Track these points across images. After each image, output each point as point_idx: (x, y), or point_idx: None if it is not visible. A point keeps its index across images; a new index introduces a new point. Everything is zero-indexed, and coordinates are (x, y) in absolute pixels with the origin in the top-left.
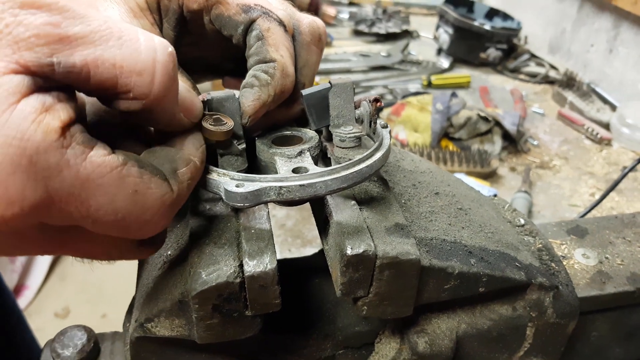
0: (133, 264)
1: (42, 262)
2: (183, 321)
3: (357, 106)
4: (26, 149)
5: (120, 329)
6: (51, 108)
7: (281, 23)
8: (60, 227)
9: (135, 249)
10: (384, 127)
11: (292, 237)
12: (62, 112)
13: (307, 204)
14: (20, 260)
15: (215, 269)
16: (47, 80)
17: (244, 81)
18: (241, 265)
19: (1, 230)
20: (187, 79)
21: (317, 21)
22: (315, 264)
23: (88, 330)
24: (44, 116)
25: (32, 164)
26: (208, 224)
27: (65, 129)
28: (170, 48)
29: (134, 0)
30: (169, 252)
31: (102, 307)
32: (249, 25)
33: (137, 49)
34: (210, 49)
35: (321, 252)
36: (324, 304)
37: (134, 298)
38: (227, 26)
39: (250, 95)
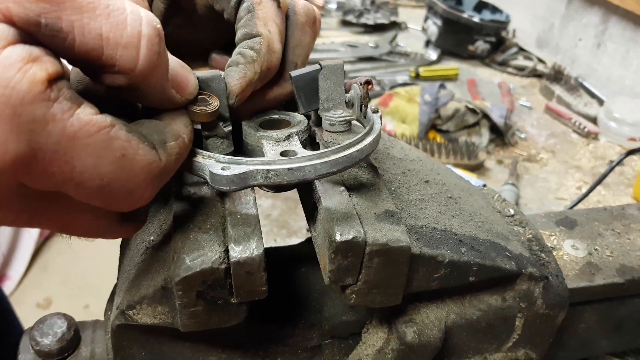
0: (116, 254)
1: (24, 252)
2: (166, 308)
3: (347, 89)
4: (10, 97)
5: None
6: (38, 59)
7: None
8: (41, 193)
9: (117, 225)
10: (375, 112)
11: (278, 227)
12: (49, 65)
13: (294, 192)
14: (1, 250)
15: (200, 255)
16: (31, 37)
17: (230, 59)
18: (227, 251)
19: None
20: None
21: (311, 5)
22: (302, 253)
23: (68, 318)
24: (30, 66)
25: (16, 115)
26: (192, 208)
27: (52, 82)
28: (157, 22)
29: None
30: (152, 238)
31: (84, 298)
32: None
33: (123, 21)
34: (202, 31)
35: (308, 240)
36: (311, 293)
37: (115, 285)
38: (218, 1)
39: (235, 74)
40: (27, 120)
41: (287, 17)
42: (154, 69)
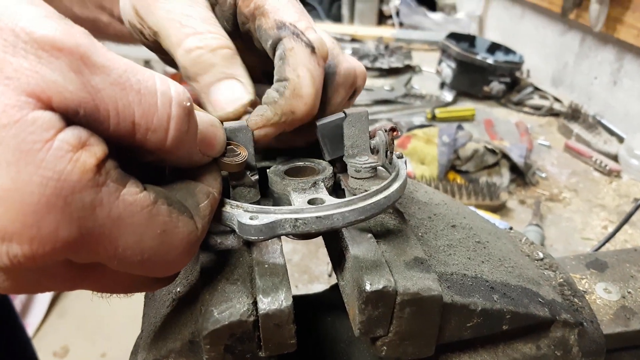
0: (133, 300)
1: (43, 299)
2: None
3: (372, 136)
4: (62, 189)
5: None
6: (87, 143)
7: (309, 45)
8: (84, 264)
9: (152, 283)
10: (400, 157)
11: (299, 272)
12: (97, 148)
13: (317, 238)
14: (20, 297)
15: (228, 307)
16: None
17: (262, 98)
18: (255, 303)
19: (28, 267)
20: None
21: (356, 65)
22: (327, 301)
23: None
24: (80, 153)
25: (67, 204)
26: (219, 258)
27: (100, 165)
28: (187, 100)
29: None
30: (178, 289)
31: (101, 345)
32: (277, 42)
33: (154, 105)
34: (257, 60)
35: (332, 288)
36: (337, 343)
37: (139, 337)
38: (262, 39)
39: (255, 111)
40: (77, 208)
41: (327, 74)
42: (181, 144)
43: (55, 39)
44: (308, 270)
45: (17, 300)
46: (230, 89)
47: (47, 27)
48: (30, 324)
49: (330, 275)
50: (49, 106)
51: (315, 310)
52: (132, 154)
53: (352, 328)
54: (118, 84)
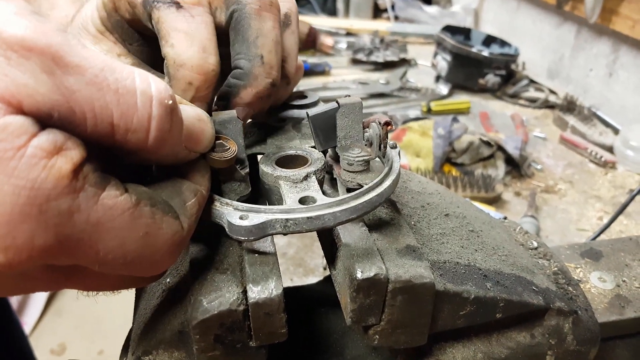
0: (130, 298)
1: (39, 298)
2: (183, 353)
3: (365, 126)
4: (37, 198)
5: None
6: (62, 147)
7: (171, 3)
8: (66, 266)
9: (140, 280)
10: (393, 147)
11: (294, 265)
12: (74, 152)
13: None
14: (16, 296)
15: (218, 296)
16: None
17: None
18: (245, 292)
19: (5, 273)
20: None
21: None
22: (321, 293)
23: None
24: (56, 159)
25: (42, 213)
26: (209, 248)
27: (77, 170)
28: (168, 97)
29: (92, 24)
30: (168, 280)
31: (99, 343)
32: (149, 13)
33: (133, 105)
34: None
35: (326, 279)
36: (331, 335)
37: (131, 330)
38: (148, 28)
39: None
40: (52, 215)
41: (237, 10)
42: (164, 144)
43: (25, 39)
44: (303, 264)
45: (14, 299)
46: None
47: (17, 25)
48: (27, 322)
49: (325, 269)
50: (20, 111)
51: (308, 302)
52: (114, 154)
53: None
54: (94, 84)
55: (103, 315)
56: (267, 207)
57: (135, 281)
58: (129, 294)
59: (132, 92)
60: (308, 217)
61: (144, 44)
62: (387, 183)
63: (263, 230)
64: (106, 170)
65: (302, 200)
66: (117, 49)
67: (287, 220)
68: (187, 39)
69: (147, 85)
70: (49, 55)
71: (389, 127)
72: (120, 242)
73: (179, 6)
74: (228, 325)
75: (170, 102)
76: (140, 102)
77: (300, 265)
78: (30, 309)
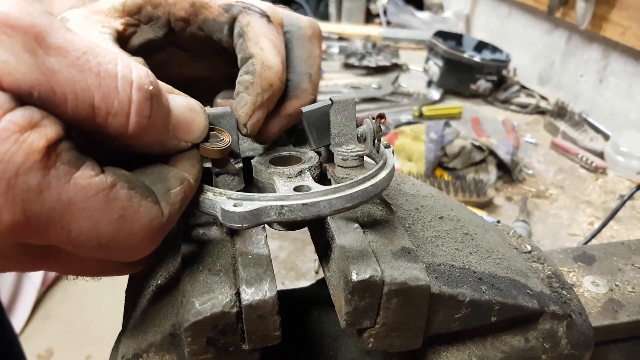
0: (119, 301)
1: (26, 301)
2: (174, 356)
3: (359, 124)
4: (5, 171)
5: None
6: (38, 124)
7: (263, 14)
8: (40, 246)
9: (121, 267)
10: (387, 146)
11: (286, 269)
12: (49, 129)
13: (301, 232)
14: (3, 299)
15: (210, 298)
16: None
17: (235, 92)
18: (238, 294)
19: None
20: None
21: (314, 19)
22: (313, 295)
23: None
24: (29, 135)
25: (10, 187)
26: (201, 249)
27: (51, 147)
28: (149, 83)
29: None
30: (159, 282)
31: (86, 347)
32: (232, 24)
33: (114, 89)
34: (208, 67)
35: (318, 282)
36: (324, 338)
37: (121, 333)
38: (214, 30)
39: (238, 105)
40: (20, 190)
41: (291, 32)
42: (145, 131)
43: (9, 17)
44: (295, 267)
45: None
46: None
47: (2, 3)
48: (14, 326)
49: (317, 272)
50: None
51: (301, 305)
52: (98, 140)
53: (339, 322)
54: (76, 66)
55: (91, 320)
56: (262, 195)
57: (114, 268)
58: (116, 299)
59: (113, 75)
60: (303, 204)
61: (168, 43)
62: (382, 175)
63: (257, 217)
64: (88, 154)
65: (297, 189)
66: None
67: (282, 207)
68: (274, 49)
69: (129, 71)
70: (32, 35)
71: (383, 120)
72: (94, 224)
73: (269, 20)
74: (221, 327)
75: (151, 87)
76: (121, 86)
77: (291, 269)
78: (18, 313)
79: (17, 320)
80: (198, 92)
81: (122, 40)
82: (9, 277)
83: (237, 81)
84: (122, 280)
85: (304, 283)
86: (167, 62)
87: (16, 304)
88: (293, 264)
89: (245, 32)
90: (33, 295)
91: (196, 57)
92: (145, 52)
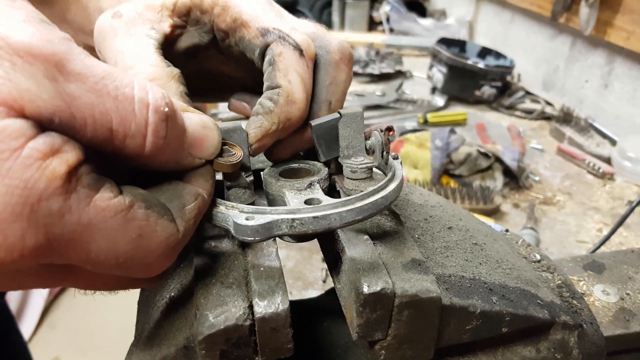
0: (124, 310)
1: (34, 310)
2: None
3: (367, 137)
4: (28, 197)
5: None
6: (59, 150)
7: (297, 47)
8: (61, 264)
9: (137, 282)
10: (395, 158)
11: (293, 279)
12: (70, 154)
13: (312, 243)
14: (12, 308)
15: (223, 311)
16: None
17: (253, 109)
18: (251, 306)
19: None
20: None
21: (346, 43)
22: (322, 306)
23: None
24: (50, 161)
25: (33, 212)
26: (213, 262)
27: (72, 172)
28: (164, 105)
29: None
30: (172, 294)
31: (93, 356)
32: (265, 49)
33: (131, 112)
34: (241, 70)
35: (327, 293)
36: (334, 349)
37: (133, 344)
38: (247, 49)
39: (252, 124)
40: (43, 215)
41: (319, 55)
42: (161, 150)
43: (31, 46)
44: (302, 277)
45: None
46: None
47: (24, 32)
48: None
49: (324, 282)
50: (21, 114)
51: (310, 316)
52: (115, 159)
53: (349, 333)
54: (94, 91)
55: (96, 328)
56: (273, 208)
57: (132, 282)
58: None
59: (130, 99)
60: (314, 217)
61: (210, 46)
62: (392, 187)
63: (269, 231)
64: (106, 174)
65: (308, 202)
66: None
67: (293, 220)
68: (301, 84)
69: (145, 94)
70: (52, 63)
71: (391, 133)
72: (112, 244)
73: (301, 54)
74: (234, 340)
75: (166, 109)
76: (138, 109)
77: (299, 278)
78: (25, 322)
79: (25, 329)
80: (231, 87)
81: (170, 41)
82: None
83: (259, 102)
84: (128, 290)
85: (312, 292)
86: (209, 58)
87: (24, 313)
88: (300, 273)
89: (276, 61)
90: (40, 304)
91: (230, 62)
92: (191, 53)
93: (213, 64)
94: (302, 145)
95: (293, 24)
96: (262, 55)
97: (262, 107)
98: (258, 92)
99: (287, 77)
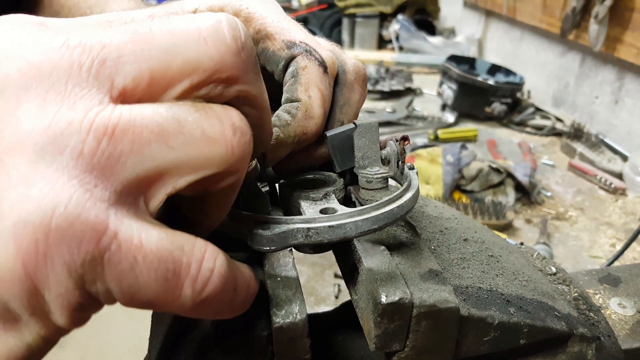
0: (135, 329)
1: None
2: None
3: (382, 147)
4: None
5: None
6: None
7: (322, 64)
8: None
9: None
10: (411, 168)
11: (305, 294)
12: None
13: (320, 257)
14: None
15: (240, 321)
16: None
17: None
18: (268, 316)
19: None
20: None
21: (361, 64)
22: (337, 320)
23: None
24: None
25: None
26: None
27: None
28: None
29: None
30: None
31: None
32: (290, 61)
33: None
34: (267, 86)
35: (342, 307)
36: None
37: (146, 358)
38: (270, 61)
39: None
40: None
41: (337, 77)
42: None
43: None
44: (314, 292)
45: None
46: None
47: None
48: None
49: (337, 297)
50: None
51: (324, 330)
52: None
53: (364, 346)
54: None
55: (107, 347)
56: (289, 217)
57: None
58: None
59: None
60: (330, 226)
61: None
62: (408, 196)
63: (285, 240)
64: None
65: (323, 211)
66: None
67: (308, 229)
68: (321, 101)
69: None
70: None
71: (406, 143)
72: None
73: (325, 71)
74: (251, 350)
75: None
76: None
77: (311, 294)
78: None
79: None
80: None
81: None
82: None
83: (276, 114)
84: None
85: (324, 308)
86: None
87: None
88: (312, 289)
89: (300, 75)
90: None
91: None
92: None
93: None
94: (309, 161)
95: (317, 40)
96: (285, 68)
97: (279, 119)
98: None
99: (307, 92)
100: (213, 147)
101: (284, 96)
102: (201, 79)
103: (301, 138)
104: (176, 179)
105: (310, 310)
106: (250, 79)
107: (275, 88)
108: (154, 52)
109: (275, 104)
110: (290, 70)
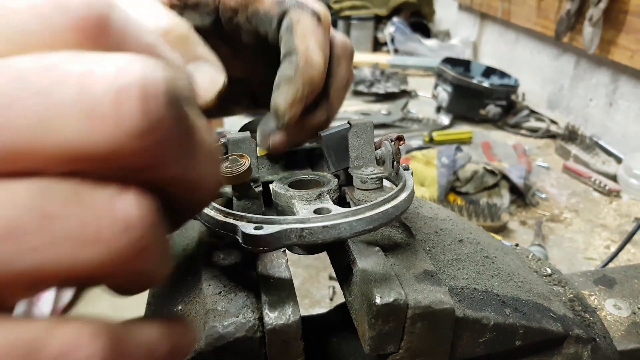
0: None
1: None
2: None
3: (377, 147)
4: None
5: None
6: None
7: (315, 14)
8: None
9: None
10: (406, 169)
11: (300, 296)
12: None
13: (314, 259)
14: None
15: (233, 322)
16: None
17: (275, 81)
18: (261, 318)
19: None
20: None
21: (348, 39)
22: (331, 322)
23: None
24: None
25: None
26: (222, 274)
27: None
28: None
29: None
30: (179, 307)
31: None
32: (281, 18)
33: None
34: (248, 65)
35: (336, 309)
36: None
37: None
38: (262, 22)
39: (279, 95)
40: None
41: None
42: None
43: None
44: (309, 295)
45: None
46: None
47: None
48: None
49: (332, 300)
50: None
51: (319, 332)
52: None
53: (358, 349)
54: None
55: None
56: (282, 217)
57: None
58: None
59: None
60: (324, 226)
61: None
62: (403, 197)
63: (278, 241)
64: None
65: (317, 211)
66: None
67: (302, 229)
68: (319, 48)
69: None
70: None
71: (401, 143)
72: None
73: (319, 20)
74: (244, 352)
75: None
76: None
77: (306, 296)
78: None
79: None
80: (235, 93)
81: None
82: (22, 307)
83: (278, 74)
84: (133, 306)
85: (319, 310)
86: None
87: None
88: (307, 291)
89: (294, 27)
90: None
91: (237, 54)
92: None
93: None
94: (302, 136)
95: None
96: (279, 25)
97: (282, 77)
98: (257, 97)
99: (305, 42)
100: (84, 249)
101: (282, 51)
102: (83, 168)
103: (309, 88)
104: (30, 284)
105: (305, 312)
106: (172, 161)
107: (270, 53)
108: (14, 124)
109: (272, 76)
110: (284, 26)
